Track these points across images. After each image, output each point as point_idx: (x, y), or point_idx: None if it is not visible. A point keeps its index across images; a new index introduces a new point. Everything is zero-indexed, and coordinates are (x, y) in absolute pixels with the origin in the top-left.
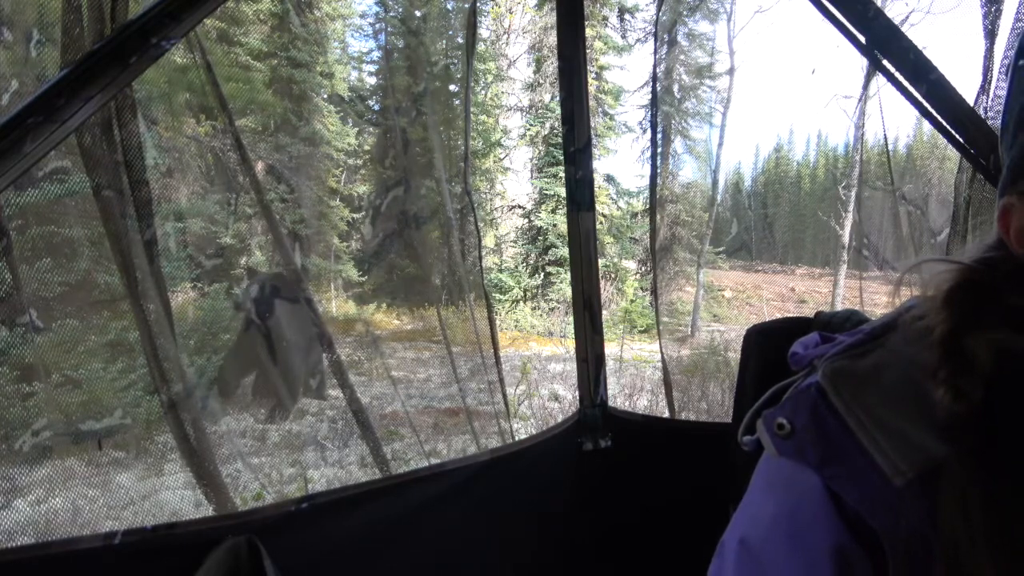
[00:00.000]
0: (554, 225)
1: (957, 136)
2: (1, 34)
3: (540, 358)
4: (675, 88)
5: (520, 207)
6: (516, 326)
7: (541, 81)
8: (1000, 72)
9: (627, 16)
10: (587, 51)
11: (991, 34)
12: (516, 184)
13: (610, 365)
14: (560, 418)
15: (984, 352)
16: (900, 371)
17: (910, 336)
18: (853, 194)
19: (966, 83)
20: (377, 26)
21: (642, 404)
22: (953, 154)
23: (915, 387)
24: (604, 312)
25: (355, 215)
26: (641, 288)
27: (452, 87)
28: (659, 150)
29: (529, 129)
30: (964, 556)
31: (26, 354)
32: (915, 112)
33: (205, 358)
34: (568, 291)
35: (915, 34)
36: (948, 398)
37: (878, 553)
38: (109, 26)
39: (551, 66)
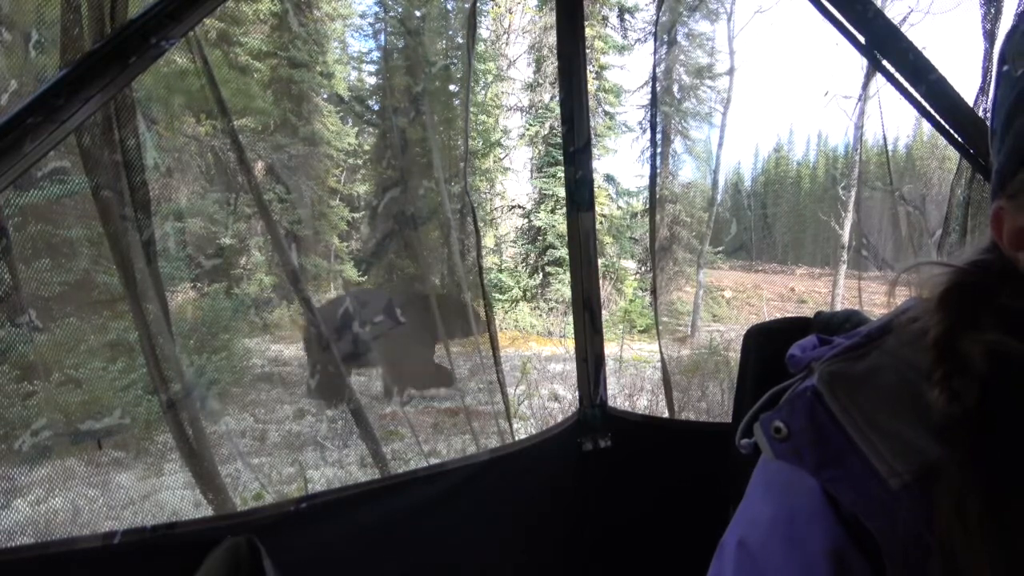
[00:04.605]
0: (553, 225)
1: (957, 136)
2: (0, 34)
3: (540, 358)
4: (675, 88)
5: (520, 207)
6: (516, 326)
7: (541, 81)
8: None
9: (627, 16)
10: (587, 51)
11: (990, 35)
12: (516, 184)
13: (610, 365)
14: (560, 418)
15: (978, 354)
16: (896, 373)
17: (905, 338)
18: (853, 194)
19: (966, 83)
20: (377, 26)
21: (642, 404)
22: (953, 154)
23: (911, 389)
24: (604, 312)
25: (355, 215)
26: (640, 288)
27: (452, 87)
28: (659, 150)
29: (529, 129)
30: (960, 558)
31: (26, 354)
32: (915, 112)
33: (204, 358)
34: (567, 291)
35: (915, 34)
36: (943, 400)
37: (875, 555)
38: (109, 26)
39: (551, 66)
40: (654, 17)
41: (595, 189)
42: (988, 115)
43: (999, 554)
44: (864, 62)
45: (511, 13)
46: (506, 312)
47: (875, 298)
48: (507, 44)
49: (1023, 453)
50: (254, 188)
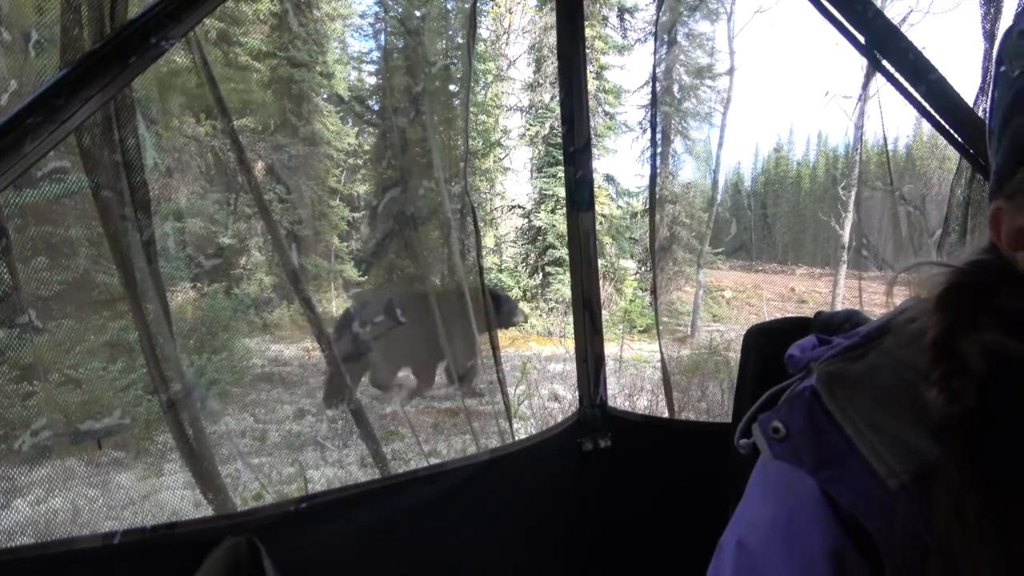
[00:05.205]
0: (553, 225)
1: (957, 136)
2: (0, 34)
3: (540, 358)
4: (675, 88)
5: (520, 207)
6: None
7: (541, 81)
8: None
9: (627, 16)
10: (587, 51)
11: (990, 35)
12: (516, 184)
13: (610, 365)
14: (560, 418)
15: (976, 354)
16: (894, 373)
17: (904, 339)
18: (853, 194)
19: (966, 83)
20: (377, 26)
21: (642, 404)
22: (953, 154)
23: (909, 389)
24: (604, 312)
25: (355, 215)
26: (640, 288)
27: (452, 87)
28: (659, 150)
29: (529, 129)
30: (959, 558)
31: (25, 354)
32: (915, 112)
33: (205, 358)
34: (567, 291)
35: (915, 34)
36: (941, 400)
37: (874, 556)
38: (108, 26)
39: (551, 66)
40: (654, 17)
41: (595, 189)
42: (988, 115)
43: (998, 554)
44: (864, 62)
45: (511, 13)
46: None
47: (875, 298)
48: (507, 44)
49: (1021, 453)
50: (254, 188)
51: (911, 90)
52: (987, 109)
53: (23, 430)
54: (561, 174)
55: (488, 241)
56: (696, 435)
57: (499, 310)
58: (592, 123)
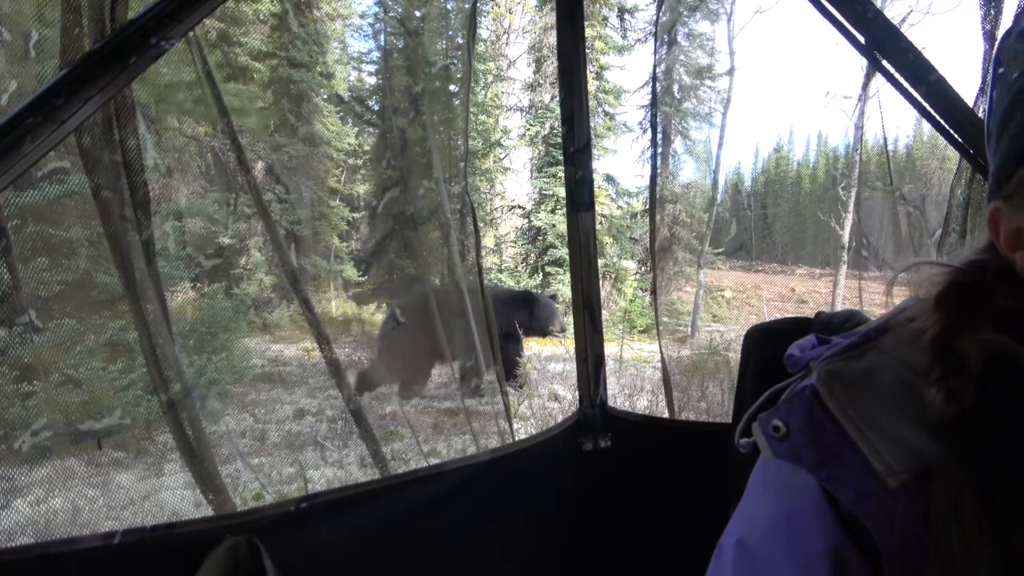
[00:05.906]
0: (553, 225)
1: (957, 136)
2: (0, 34)
3: (540, 358)
4: (675, 88)
5: (520, 207)
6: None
7: (541, 81)
8: None
9: (627, 16)
10: (587, 51)
11: (990, 35)
12: (516, 184)
13: (610, 365)
14: (560, 418)
15: (975, 353)
16: (894, 373)
17: (903, 338)
18: (853, 194)
19: (966, 83)
20: (377, 26)
21: (642, 404)
22: (953, 154)
23: (908, 389)
24: (604, 312)
25: (355, 215)
26: (640, 288)
27: (452, 87)
28: (659, 150)
29: (529, 129)
30: (957, 557)
31: (25, 354)
32: (915, 112)
33: (204, 358)
34: (567, 291)
35: (915, 34)
36: (940, 399)
37: (873, 554)
38: (109, 26)
39: (551, 66)
40: (654, 17)
41: (595, 189)
42: (986, 116)
43: (996, 554)
44: (864, 62)
45: (511, 13)
46: None
47: (876, 298)
48: (507, 44)
49: (1020, 452)
50: (253, 188)
51: (911, 90)
52: (987, 110)
53: (23, 430)
54: (561, 174)
55: (488, 241)
56: (696, 435)
57: (532, 315)
58: (592, 123)
